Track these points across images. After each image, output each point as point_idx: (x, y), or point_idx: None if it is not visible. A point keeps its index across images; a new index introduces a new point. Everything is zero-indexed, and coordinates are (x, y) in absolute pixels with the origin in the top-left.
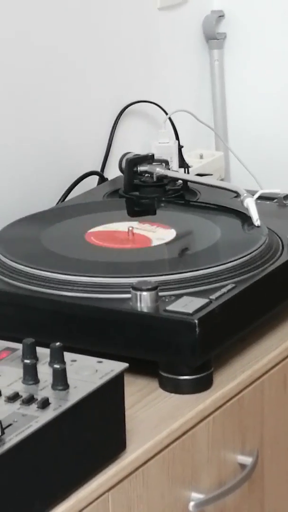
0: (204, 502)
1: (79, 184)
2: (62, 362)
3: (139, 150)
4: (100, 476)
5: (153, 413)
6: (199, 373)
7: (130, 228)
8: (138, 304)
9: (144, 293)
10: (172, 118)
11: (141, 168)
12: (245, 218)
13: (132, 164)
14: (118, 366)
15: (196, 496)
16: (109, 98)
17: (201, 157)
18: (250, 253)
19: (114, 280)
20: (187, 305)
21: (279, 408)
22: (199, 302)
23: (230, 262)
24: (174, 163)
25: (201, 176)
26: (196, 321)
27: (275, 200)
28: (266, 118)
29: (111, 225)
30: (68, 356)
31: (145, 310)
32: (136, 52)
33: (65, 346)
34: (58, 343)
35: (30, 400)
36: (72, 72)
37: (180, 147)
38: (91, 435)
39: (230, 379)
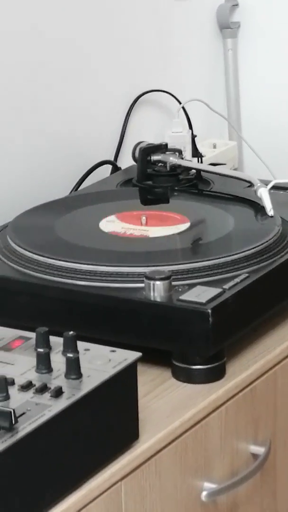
0: (216, 492)
1: (92, 173)
2: (75, 351)
3: (153, 139)
4: (113, 465)
5: (166, 402)
6: (212, 362)
7: (144, 217)
8: (151, 293)
9: (157, 282)
10: (186, 108)
11: (155, 157)
12: (258, 208)
13: (145, 153)
14: (131, 356)
15: (209, 485)
16: (122, 88)
17: (215, 146)
18: (264, 243)
19: (127, 269)
20: (200, 294)
21: None
22: (213, 291)
23: (244, 252)
24: (188, 153)
25: (214, 166)
26: (210, 311)
27: None
28: (279, 108)
29: (125, 214)
30: (81, 345)
31: (158, 299)
32: (150, 42)
33: (78, 335)
34: (71, 332)
35: (43, 389)
36: (86, 62)
37: (193, 137)
38: (104, 424)
39: (242, 369)
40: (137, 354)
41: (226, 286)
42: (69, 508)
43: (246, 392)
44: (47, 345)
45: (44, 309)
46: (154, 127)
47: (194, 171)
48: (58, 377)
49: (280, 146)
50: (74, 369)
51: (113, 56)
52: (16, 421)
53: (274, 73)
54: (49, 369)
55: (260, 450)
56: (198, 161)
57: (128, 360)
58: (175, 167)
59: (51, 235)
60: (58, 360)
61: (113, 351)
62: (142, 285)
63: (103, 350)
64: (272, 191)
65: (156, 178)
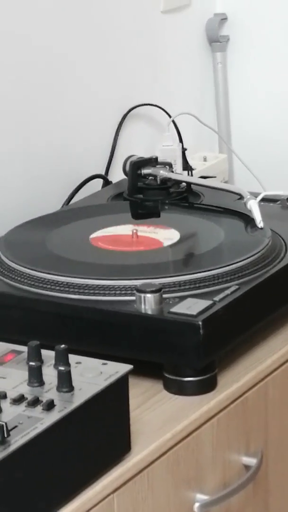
0: (209, 503)
1: (83, 187)
2: (67, 364)
3: (143, 153)
4: (105, 477)
5: (158, 414)
6: (203, 374)
7: (134, 231)
8: (142, 306)
9: (148, 295)
10: (176, 121)
11: (145, 171)
12: (248, 220)
13: (136, 167)
14: (122, 368)
15: (201, 497)
16: (112, 101)
17: (205, 159)
18: (254, 255)
19: (118, 282)
20: (191, 307)
21: (283, 409)
22: (203, 303)
23: (234, 264)
24: (178, 166)
25: (205, 179)
26: (200, 323)
27: (278, 202)
28: (269, 120)
29: (115, 228)
30: (72, 358)
31: (149, 312)
32: (139, 55)
33: (70, 349)
34: (62, 346)
35: (35, 402)
36: (76, 76)
37: (183, 150)
38: (96, 436)
39: (234, 381)
40: (129, 367)
41: (216, 298)
42: None
43: (237, 404)
44: (39, 359)
45: (35, 323)
46: (144, 140)
47: (184, 184)
48: (50, 390)
49: (270, 159)
50: (65, 382)
51: (102, 70)
52: (8, 434)
53: (264, 86)
54: (41, 382)
55: (252, 461)
56: (189, 174)
57: (120, 373)
58: (165, 181)
59: (42, 249)
60: (50, 373)
61: (105, 363)
62: (133, 298)
63: (94, 363)
64: (262, 203)
65: (146, 191)
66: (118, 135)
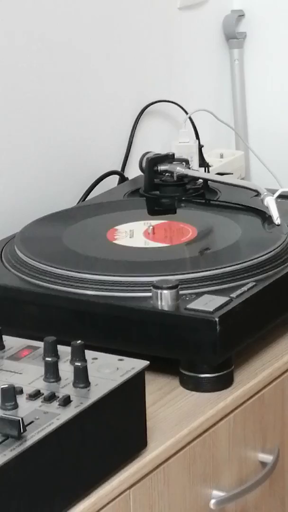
0: (225, 500)
1: (99, 183)
2: (83, 360)
3: (160, 149)
4: (121, 473)
5: (174, 411)
6: (220, 371)
7: (151, 227)
8: (159, 302)
9: (165, 291)
10: (192, 118)
11: (162, 167)
12: (265, 217)
13: (152, 163)
14: (139, 364)
15: (217, 493)
16: (129, 98)
17: (222, 156)
18: (271, 251)
19: (135, 278)
20: (208, 303)
21: None
22: (220, 300)
23: (251, 260)
24: (195, 163)
25: (221, 175)
26: (217, 319)
27: None
28: (286, 117)
29: (132, 224)
30: (89, 354)
31: (165, 308)
32: (156, 52)
33: (86, 345)
34: (79, 341)
35: (51, 397)
36: (93, 72)
37: (200, 147)
38: (112, 432)
39: (250, 377)
40: (145, 363)
41: (233, 295)
42: None
43: (254, 400)
44: (55, 354)
45: (52, 319)
46: (161, 137)
47: (201, 180)
48: (66, 386)
49: (286, 155)
50: (82, 377)
51: (120, 67)
52: (25, 430)
53: (280, 82)
54: (57, 378)
55: (268, 458)
56: (205, 171)
57: (136, 369)
58: (182, 177)
59: (59, 245)
60: (66, 369)
61: (121, 359)
62: (149, 294)
63: (111, 359)
64: (279, 199)
65: (163, 188)
66: (134, 132)
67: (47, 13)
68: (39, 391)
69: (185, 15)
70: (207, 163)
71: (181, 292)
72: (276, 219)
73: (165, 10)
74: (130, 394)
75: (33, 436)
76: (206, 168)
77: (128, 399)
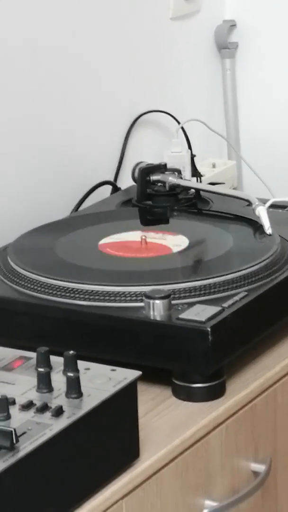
0: (217, 510)
1: (92, 193)
2: (76, 370)
3: (152, 159)
4: (114, 483)
5: (167, 421)
6: (212, 381)
7: (143, 237)
8: (151, 312)
9: (157, 301)
10: (185, 128)
11: (154, 177)
12: (257, 226)
13: (144, 173)
14: (131, 374)
15: (210, 503)
16: (121, 108)
17: (214, 166)
18: (262, 261)
19: (127, 288)
20: (200, 313)
21: None
22: (212, 310)
23: (242, 270)
24: (187, 172)
25: (214, 185)
26: (209, 329)
27: (287, 209)
28: (278, 127)
29: (124, 234)
30: (81, 364)
31: (158, 318)
32: (148, 62)
33: (79, 355)
34: (71, 352)
35: (44, 408)
36: (85, 82)
37: (192, 156)
38: (104, 443)
39: (242, 387)
40: (137, 373)
41: (225, 305)
42: None
43: (246, 410)
44: (48, 365)
45: (44, 329)
46: (153, 147)
47: (193, 190)
48: (58, 397)
49: (278, 165)
50: (74, 388)
51: (111, 77)
52: (17, 441)
53: (272, 92)
54: (50, 389)
55: (260, 467)
56: (197, 181)
57: (128, 379)
58: (174, 187)
59: (51, 256)
60: (58, 380)
61: (113, 370)
62: (142, 304)
63: (103, 369)
64: (270, 209)
65: (155, 198)
66: (127, 142)
67: (39, 25)
68: (31, 401)
69: (177, 25)
70: (199, 173)
71: (173, 302)
72: (268, 229)
73: (157, 20)
74: (123, 404)
75: (25, 447)
76: (198, 178)
77: (121, 410)
